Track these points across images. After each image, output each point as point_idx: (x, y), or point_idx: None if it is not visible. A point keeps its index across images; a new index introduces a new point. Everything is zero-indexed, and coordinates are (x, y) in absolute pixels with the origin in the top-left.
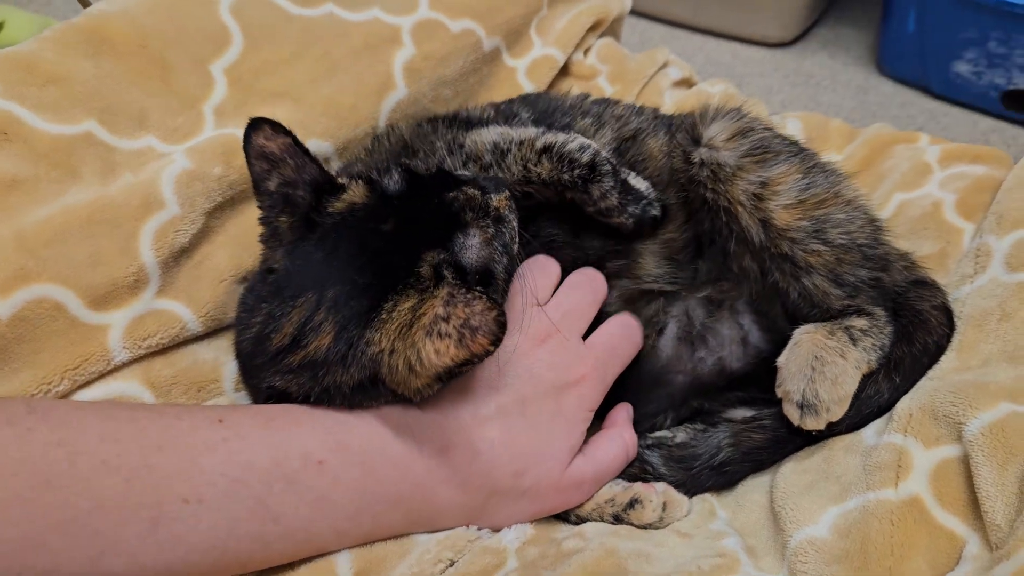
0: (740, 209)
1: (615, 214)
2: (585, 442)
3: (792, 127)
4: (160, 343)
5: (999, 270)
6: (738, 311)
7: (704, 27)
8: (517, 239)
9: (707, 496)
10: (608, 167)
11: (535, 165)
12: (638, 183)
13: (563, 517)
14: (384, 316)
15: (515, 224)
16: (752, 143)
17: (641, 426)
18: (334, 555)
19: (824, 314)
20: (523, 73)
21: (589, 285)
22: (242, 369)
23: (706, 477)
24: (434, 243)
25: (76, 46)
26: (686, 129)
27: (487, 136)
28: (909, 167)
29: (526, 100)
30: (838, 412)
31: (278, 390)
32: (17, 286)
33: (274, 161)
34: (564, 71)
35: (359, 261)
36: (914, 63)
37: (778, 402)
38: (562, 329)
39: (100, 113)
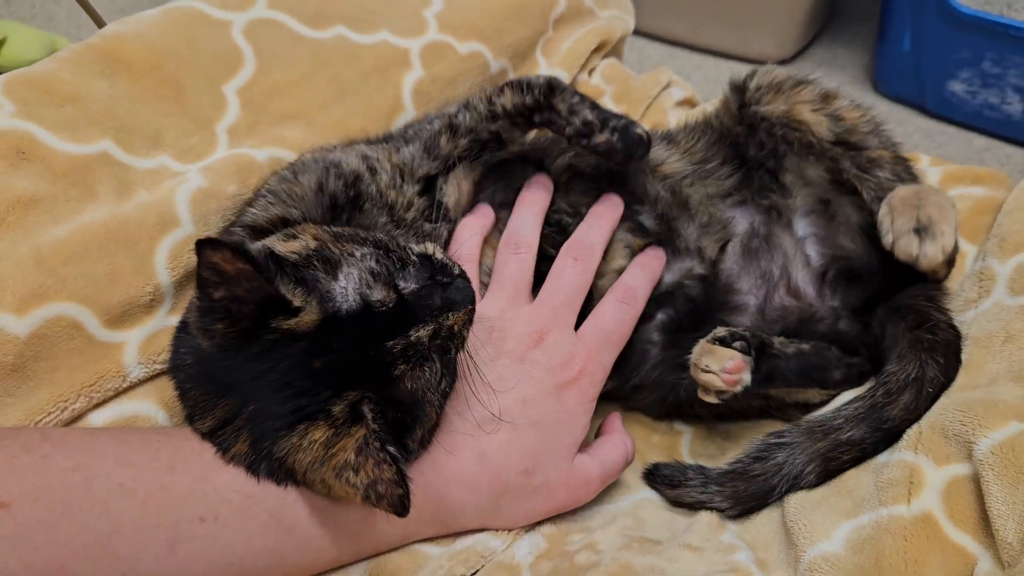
0: (803, 110)
1: (596, 130)
2: (589, 445)
3: None
4: None
5: (1003, 294)
6: (794, 224)
7: (702, 46)
8: (463, 348)
9: None
10: (568, 86)
11: (498, 97)
12: (612, 107)
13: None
14: (295, 440)
15: (466, 335)
16: (791, 79)
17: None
18: (348, 568)
19: None
20: None
21: (578, 267)
22: None
23: (774, 504)
24: (360, 383)
25: (92, 66)
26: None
27: (452, 105)
28: None
29: None
30: (950, 237)
31: None
32: (36, 304)
33: (226, 278)
34: None
35: (284, 391)
36: (910, 82)
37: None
38: (555, 325)
39: (116, 132)
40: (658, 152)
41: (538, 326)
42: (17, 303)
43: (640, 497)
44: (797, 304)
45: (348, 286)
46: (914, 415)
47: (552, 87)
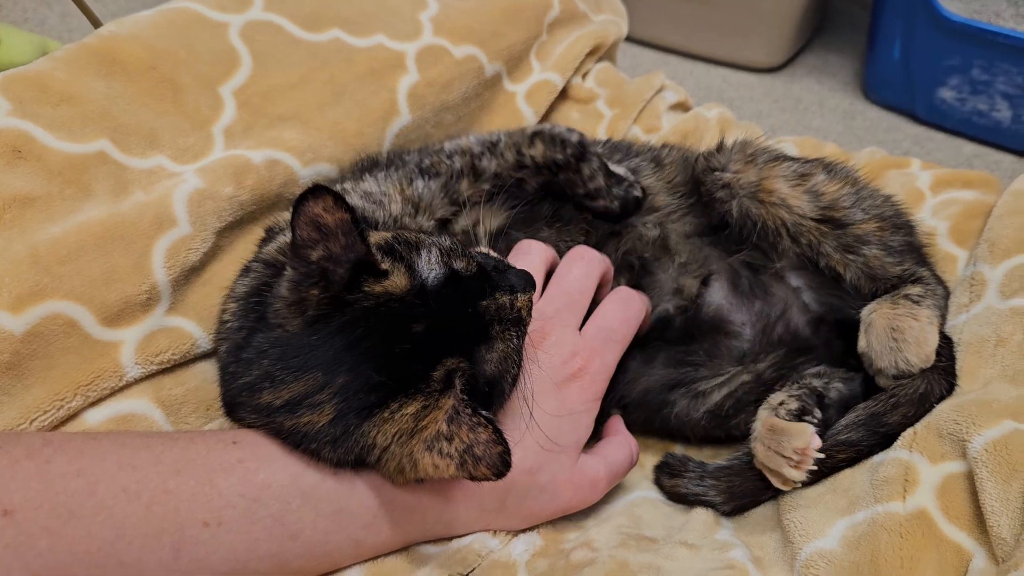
0: (779, 183)
1: (602, 195)
2: (593, 446)
3: (787, 151)
4: (172, 359)
5: (993, 298)
6: (786, 277)
7: (694, 52)
8: (524, 336)
9: None
10: (593, 148)
11: (528, 148)
12: (617, 168)
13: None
14: (387, 415)
15: (527, 324)
16: (767, 155)
17: (706, 383)
18: (345, 572)
19: (882, 286)
20: (522, 97)
21: (582, 269)
22: (227, 406)
23: (769, 502)
24: (457, 351)
25: (88, 66)
26: (702, 167)
27: (470, 137)
28: (903, 194)
29: None
30: (930, 363)
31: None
32: (32, 302)
33: (325, 233)
34: (563, 95)
35: (381, 359)
36: (899, 89)
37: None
38: (557, 324)
39: (112, 132)
40: (649, 181)
41: (540, 325)
42: (13, 301)
43: (636, 495)
44: (793, 338)
45: (431, 257)
46: (911, 422)
47: (583, 149)
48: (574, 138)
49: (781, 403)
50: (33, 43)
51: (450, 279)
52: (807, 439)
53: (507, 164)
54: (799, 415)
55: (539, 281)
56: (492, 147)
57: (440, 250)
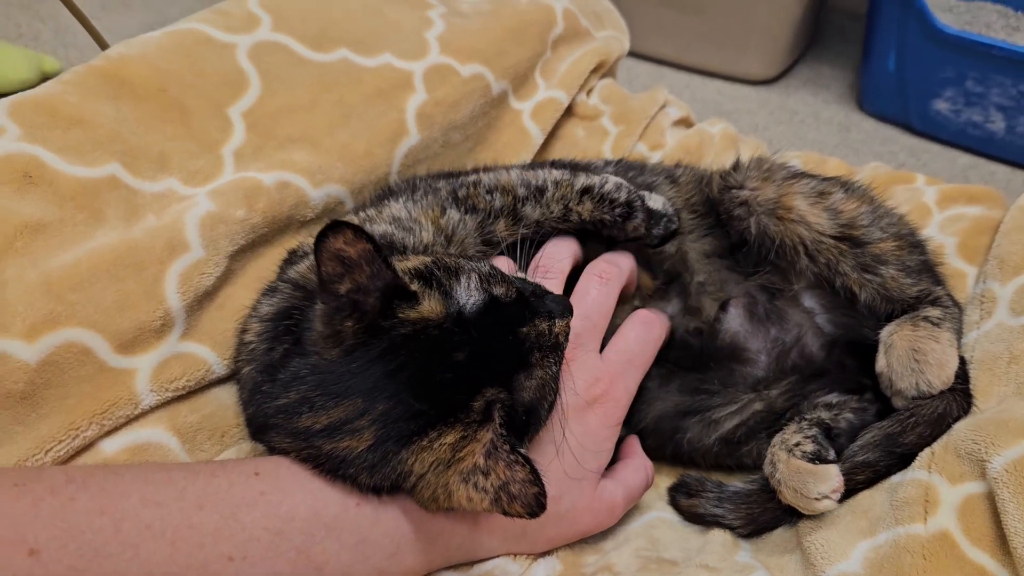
0: (798, 200)
1: (643, 240)
2: (609, 469)
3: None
4: (186, 385)
5: (1004, 315)
6: (801, 299)
7: (690, 65)
8: (561, 363)
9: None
10: (639, 202)
11: (576, 204)
12: (655, 203)
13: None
14: (425, 443)
15: (564, 351)
16: (784, 171)
17: (722, 412)
18: None
19: (898, 307)
20: (528, 115)
21: (602, 289)
22: (256, 427)
23: (787, 525)
24: (497, 380)
25: (97, 89)
26: (719, 186)
27: (512, 174)
28: (909, 209)
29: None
30: (949, 384)
31: (286, 452)
32: (46, 331)
33: (349, 266)
34: (568, 112)
35: (421, 386)
36: (895, 101)
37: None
38: (578, 350)
39: (122, 156)
40: (668, 191)
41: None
42: (27, 330)
43: (652, 516)
44: (807, 364)
45: (471, 284)
46: (927, 442)
47: (631, 209)
48: (622, 197)
49: (797, 444)
50: (28, 59)
51: (490, 305)
52: (831, 484)
53: (552, 216)
54: (813, 458)
55: (571, 251)
56: (538, 194)
57: (480, 276)
